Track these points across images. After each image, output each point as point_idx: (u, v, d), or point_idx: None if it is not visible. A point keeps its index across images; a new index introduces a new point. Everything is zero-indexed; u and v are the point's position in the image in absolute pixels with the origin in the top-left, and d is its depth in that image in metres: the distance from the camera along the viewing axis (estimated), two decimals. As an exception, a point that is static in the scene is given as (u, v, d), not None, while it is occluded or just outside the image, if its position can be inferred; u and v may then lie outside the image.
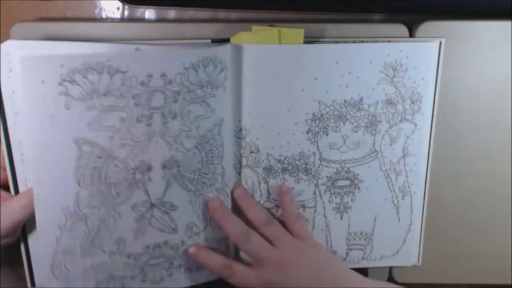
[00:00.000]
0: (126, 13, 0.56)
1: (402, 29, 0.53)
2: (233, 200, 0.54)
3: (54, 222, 0.48)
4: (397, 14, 0.55)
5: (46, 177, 0.47)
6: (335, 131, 0.52)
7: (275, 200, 0.54)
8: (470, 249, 0.61)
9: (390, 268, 0.61)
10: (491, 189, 0.59)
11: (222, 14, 0.56)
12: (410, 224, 0.57)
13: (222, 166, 0.52)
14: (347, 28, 0.53)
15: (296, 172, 0.53)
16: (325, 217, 0.55)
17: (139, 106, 0.47)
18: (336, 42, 0.51)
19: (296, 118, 0.52)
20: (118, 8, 0.56)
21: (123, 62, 0.45)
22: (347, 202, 0.55)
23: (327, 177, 0.54)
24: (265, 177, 0.53)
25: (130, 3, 0.55)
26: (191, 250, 0.52)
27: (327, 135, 0.52)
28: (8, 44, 0.47)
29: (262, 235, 0.52)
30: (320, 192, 0.54)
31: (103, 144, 0.47)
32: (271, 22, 0.52)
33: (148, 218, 0.50)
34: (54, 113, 0.45)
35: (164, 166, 0.49)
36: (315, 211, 0.55)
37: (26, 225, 0.52)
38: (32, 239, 0.52)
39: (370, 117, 0.52)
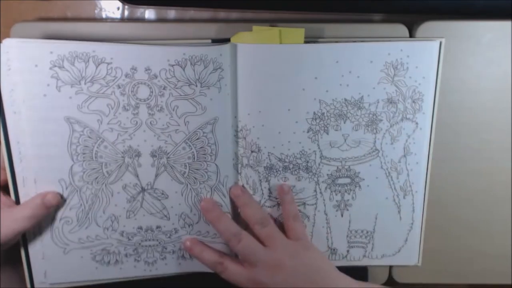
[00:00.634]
0: (126, 13, 0.56)
1: (402, 29, 0.53)
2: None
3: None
4: (397, 14, 0.55)
5: (42, 150, 0.50)
6: (336, 130, 0.52)
7: (276, 199, 0.54)
8: (470, 249, 0.61)
9: (390, 268, 0.61)
10: (491, 189, 0.59)
11: (222, 14, 0.56)
12: (412, 223, 0.57)
13: (216, 165, 0.52)
14: (347, 28, 0.53)
15: (297, 170, 0.53)
16: (326, 214, 0.55)
17: (125, 96, 0.50)
18: (337, 41, 0.52)
19: (297, 117, 0.52)
20: (118, 8, 0.56)
21: (107, 54, 0.48)
22: (348, 200, 0.55)
23: (327, 175, 0.54)
24: (266, 176, 0.53)
25: (130, 3, 0.55)
26: (187, 244, 0.54)
27: (327, 133, 0.52)
28: (7, 43, 0.47)
29: (257, 235, 0.52)
30: (320, 189, 0.54)
31: (92, 126, 0.50)
32: (271, 22, 0.52)
33: (140, 201, 0.53)
34: (46, 93, 0.49)
35: (153, 155, 0.52)
36: (315, 209, 0.55)
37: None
38: (30, 238, 0.53)
39: (370, 115, 0.52)
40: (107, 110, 0.50)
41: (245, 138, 0.52)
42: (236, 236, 0.51)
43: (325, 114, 0.52)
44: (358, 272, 0.59)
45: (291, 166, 0.53)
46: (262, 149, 0.52)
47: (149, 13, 0.56)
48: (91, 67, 0.48)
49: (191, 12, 0.56)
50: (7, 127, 0.49)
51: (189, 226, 0.55)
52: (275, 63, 0.50)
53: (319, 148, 0.53)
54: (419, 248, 0.58)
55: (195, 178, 0.53)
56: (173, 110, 0.50)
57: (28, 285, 0.54)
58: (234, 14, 0.56)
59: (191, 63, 0.49)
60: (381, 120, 0.53)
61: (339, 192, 0.55)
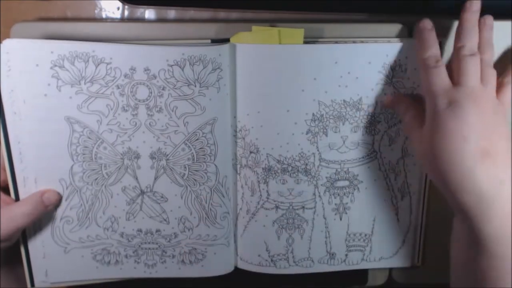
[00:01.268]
0: (126, 13, 0.56)
1: (402, 29, 0.53)
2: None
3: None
4: (397, 14, 0.54)
5: (43, 150, 0.50)
6: (335, 132, 0.52)
7: (274, 201, 0.54)
8: (470, 249, 0.60)
9: (390, 268, 0.61)
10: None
11: (222, 14, 0.56)
12: (409, 225, 0.57)
13: (216, 165, 0.52)
14: (347, 28, 0.53)
15: (296, 173, 0.53)
16: (325, 218, 0.55)
17: (124, 96, 0.50)
18: (336, 42, 0.51)
19: (296, 118, 0.52)
20: (118, 8, 0.56)
21: (107, 54, 0.48)
22: (347, 203, 0.55)
23: (326, 177, 0.54)
24: (265, 177, 0.53)
25: (130, 3, 0.55)
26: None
27: (326, 135, 0.52)
28: (7, 43, 0.47)
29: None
30: (319, 193, 0.54)
31: (91, 127, 0.50)
32: (271, 22, 0.52)
33: (139, 203, 0.53)
34: (47, 93, 0.49)
35: (152, 157, 0.52)
36: (314, 212, 0.55)
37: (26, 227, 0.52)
38: (31, 237, 0.53)
39: (369, 117, 0.52)
40: (106, 110, 0.50)
41: (244, 138, 0.52)
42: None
43: (324, 116, 0.52)
44: (358, 273, 0.59)
45: (289, 168, 0.53)
46: (261, 150, 0.52)
47: (149, 13, 0.56)
48: (91, 67, 0.48)
49: (191, 12, 0.56)
50: (7, 127, 0.49)
51: (189, 230, 0.55)
52: (274, 64, 0.50)
53: (318, 150, 0.53)
54: (419, 248, 0.58)
55: (195, 180, 0.53)
56: (172, 110, 0.50)
57: (29, 284, 0.54)
58: (234, 14, 0.56)
59: (190, 63, 0.49)
60: (380, 121, 0.53)
61: (338, 195, 0.55)
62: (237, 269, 0.58)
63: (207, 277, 0.56)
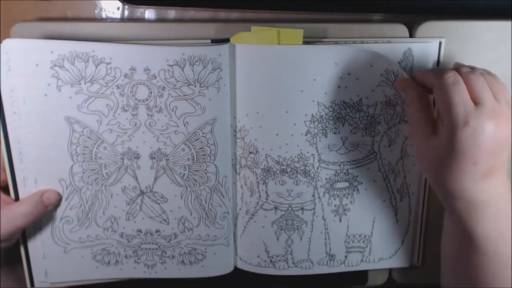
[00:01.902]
0: (126, 13, 0.56)
1: (402, 29, 0.53)
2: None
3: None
4: (397, 14, 0.54)
5: (43, 150, 0.50)
6: (334, 133, 0.52)
7: (273, 202, 0.54)
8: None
9: (390, 268, 0.60)
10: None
11: (222, 14, 0.56)
12: (408, 225, 0.57)
13: (216, 165, 0.52)
14: (347, 28, 0.53)
15: (295, 174, 0.53)
16: (324, 219, 0.55)
17: (124, 96, 0.50)
18: (336, 42, 0.51)
19: (295, 119, 0.51)
20: (118, 8, 0.56)
21: (106, 54, 0.48)
22: (346, 205, 0.55)
23: (326, 179, 0.54)
24: (264, 178, 0.53)
25: (130, 3, 0.55)
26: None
27: (326, 136, 0.52)
28: (7, 43, 0.47)
29: None
30: (319, 194, 0.54)
31: (91, 127, 0.50)
32: (271, 22, 0.52)
33: (139, 204, 0.53)
34: (47, 93, 0.49)
35: (152, 157, 0.52)
36: (313, 214, 0.55)
37: (26, 228, 0.52)
38: (31, 238, 0.53)
39: (369, 118, 0.52)
40: (106, 110, 0.50)
41: (243, 138, 0.52)
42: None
43: (324, 117, 0.52)
44: (358, 273, 0.59)
45: (288, 169, 0.53)
46: (260, 150, 0.52)
47: (149, 13, 0.56)
48: (91, 67, 0.48)
49: (191, 12, 0.56)
50: (7, 127, 0.49)
51: (188, 231, 0.55)
52: (273, 64, 0.50)
53: (317, 151, 0.53)
54: (419, 248, 0.58)
55: (195, 180, 0.53)
56: (172, 110, 0.50)
57: (28, 284, 0.54)
58: (234, 14, 0.56)
59: (190, 63, 0.49)
60: (379, 122, 0.53)
61: (338, 196, 0.55)
62: (237, 269, 0.58)
63: (207, 277, 0.56)
